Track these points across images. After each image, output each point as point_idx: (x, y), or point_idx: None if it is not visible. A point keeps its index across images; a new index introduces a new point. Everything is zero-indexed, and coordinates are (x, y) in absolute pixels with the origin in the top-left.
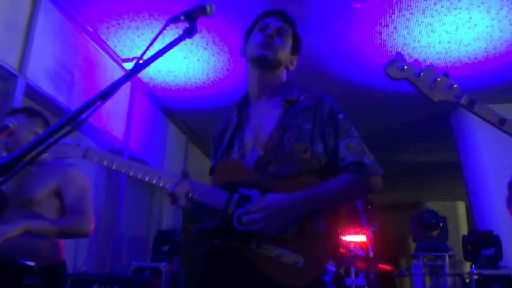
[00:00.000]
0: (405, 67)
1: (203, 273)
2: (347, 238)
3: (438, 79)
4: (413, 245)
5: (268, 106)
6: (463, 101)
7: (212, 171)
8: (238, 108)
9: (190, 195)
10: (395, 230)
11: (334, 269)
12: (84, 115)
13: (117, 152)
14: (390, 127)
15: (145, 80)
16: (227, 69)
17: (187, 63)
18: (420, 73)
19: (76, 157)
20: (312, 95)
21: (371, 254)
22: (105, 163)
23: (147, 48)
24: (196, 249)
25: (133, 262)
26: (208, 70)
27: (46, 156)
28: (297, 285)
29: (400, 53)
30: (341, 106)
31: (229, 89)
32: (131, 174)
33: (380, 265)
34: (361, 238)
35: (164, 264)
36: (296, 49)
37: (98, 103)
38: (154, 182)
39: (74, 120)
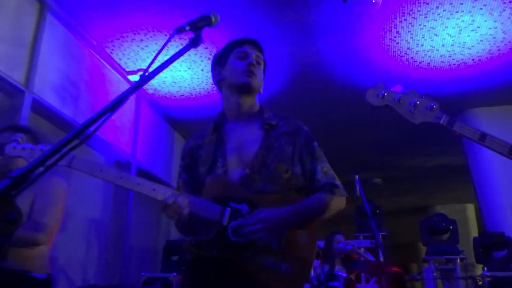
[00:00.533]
0: (385, 94)
1: (196, 281)
2: (356, 243)
3: (418, 102)
4: (423, 249)
5: (248, 127)
6: (443, 121)
7: (185, 185)
8: (215, 126)
9: (187, 207)
10: (405, 234)
11: (345, 275)
12: (92, 128)
13: (124, 164)
14: (396, 131)
15: (150, 91)
16: None
17: (191, 74)
18: (400, 99)
19: (61, 165)
20: (291, 122)
21: (382, 259)
22: (94, 173)
23: (153, 61)
24: (183, 256)
25: (143, 273)
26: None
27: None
28: None
29: (381, 82)
30: (345, 112)
31: None
32: (124, 185)
33: (391, 270)
34: (370, 243)
35: (174, 274)
36: (264, 74)
37: (106, 116)
38: (149, 193)
39: (82, 133)
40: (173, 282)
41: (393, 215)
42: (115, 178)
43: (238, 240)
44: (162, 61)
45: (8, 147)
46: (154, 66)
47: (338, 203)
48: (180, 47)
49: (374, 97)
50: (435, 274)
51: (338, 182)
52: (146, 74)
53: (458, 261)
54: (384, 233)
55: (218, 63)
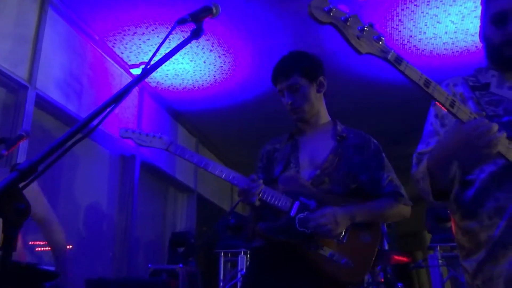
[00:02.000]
0: (333, 9)
1: (262, 264)
2: None
3: (366, 28)
4: (429, 237)
5: (320, 138)
6: (390, 56)
7: (269, 181)
8: (291, 135)
9: (261, 195)
10: (410, 223)
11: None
12: (96, 121)
13: (129, 158)
14: (402, 120)
15: (153, 84)
16: (233, 70)
17: (194, 66)
18: (348, 19)
19: (161, 148)
20: (362, 135)
21: (387, 247)
22: (186, 157)
23: (155, 53)
24: (252, 243)
25: (149, 265)
26: (215, 71)
27: None
28: (346, 281)
29: None
30: (348, 102)
31: (235, 88)
32: (209, 169)
33: (396, 258)
34: None
35: (181, 265)
36: (314, 76)
37: (109, 109)
38: (229, 179)
39: (87, 126)
40: (180, 273)
41: None
42: (201, 162)
43: (303, 231)
44: (164, 54)
45: None
46: (156, 58)
47: (402, 210)
48: (182, 39)
49: (320, 10)
50: (440, 261)
51: (403, 191)
52: (149, 66)
53: None
54: (389, 222)
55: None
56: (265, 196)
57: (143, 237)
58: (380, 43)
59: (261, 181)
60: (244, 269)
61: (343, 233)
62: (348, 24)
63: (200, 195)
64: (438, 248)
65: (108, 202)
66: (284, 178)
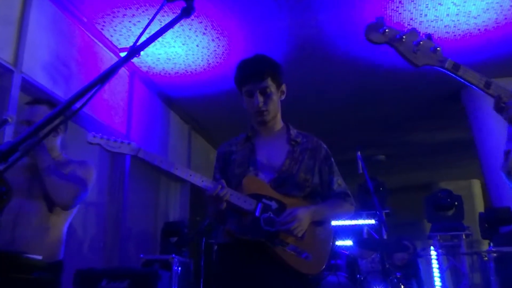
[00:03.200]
0: (387, 30)
1: (231, 261)
2: (359, 222)
3: (421, 42)
4: (428, 226)
5: (275, 142)
6: (447, 65)
7: (216, 181)
8: (247, 137)
9: (228, 198)
10: (409, 212)
11: (347, 253)
12: (79, 103)
13: None
14: (399, 107)
15: (144, 69)
16: (227, 53)
17: (186, 50)
18: (403, 36)
19: (130, 154)
20: (313, 140)
21: (385, 237)
22: (155, 163)
23: (143, 31)
24: (217, 240)
25: (141, 255)
26: (208, 55)
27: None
28: (309, 273)
29: (380, 17)
30: (347, 87)
31: (230, 73)
32: (178, 174)
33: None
34: (374, 221)
35: (173, 256)
36: (280, 83)
37: (95, 89)
38: (198, 183)
39: (70, 108)
40: (173, 264)
41: (397, 192)
42: (171, 167)
43: (268, 229)
44: (153, 33)
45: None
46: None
47: (348, 208)
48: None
49: (375, 33)
50: (439, 250)
51: (349, 191)
52: (137, 45)
53: (463, 237)
54: (387, 211)
55: (238, 91)
56: (231, 198)
57: (134, 227)
58: (437, 53)
59: (228, 188)
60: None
61: (304, 231)
62: (403, 40)
63: (194, 184)
64: (438, 237)
65: (98, 191)
66: (247, 181)
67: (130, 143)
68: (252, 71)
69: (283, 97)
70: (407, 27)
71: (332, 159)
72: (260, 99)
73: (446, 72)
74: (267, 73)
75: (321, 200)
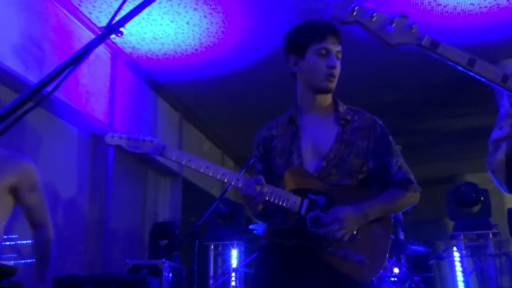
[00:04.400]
0: (356, 8)
1: (275, 266)
2: None
3: (395, 20)
4: (450, 225)
5: (323, 121)
6: (425, 42)
7: (259, 172)
8: (291, 119)
9: (268, 197)
10: (429, 208)
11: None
12: (50, 87)
13: (100, 136)
14: (419, 91)
15: (128, 50)
16: (222, 32)
17: (175, 28)
18: (373, 15)
19: (154, 155)
20: (366, 116)
21: (402, 236)
22: (183, 162)
23: (121, 5)
24: (257, 242)
25: (127, 260)
26: (200, 34)
27: None
28: (363, 280)
29: None
30: (358, 69)
31: (225, 55)
32: (210, 174)
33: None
34: None
35: (163, 260)
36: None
37: (67, 71)
38: (233, 183)
39: (39, 92)
40: (163, 269)
41: None
42: (201, 166)
43: (315, 231)
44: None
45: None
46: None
47: (412, 198)
48: None
49: (342, 11)
50: (464, 251)
51: (412, 177)
52: (113, 22)
53: (490, 236)
54: (408, 208)
55: (294, 50)
56: (272, 197)
57: (119, 228)
58: (413, 30)
59: (266, 187)
60: (236, 264)
61: (356, 231)
62: (373, 20)
63: (186, 180)
64: (462, 236)
65: (77, 188)
66: (289, 174)
67: (152, 140)
68: (334, 30)
69: None
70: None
71: (390, 138)
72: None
73: (424, 50)
74: (341, 38)
75: (378, 188)
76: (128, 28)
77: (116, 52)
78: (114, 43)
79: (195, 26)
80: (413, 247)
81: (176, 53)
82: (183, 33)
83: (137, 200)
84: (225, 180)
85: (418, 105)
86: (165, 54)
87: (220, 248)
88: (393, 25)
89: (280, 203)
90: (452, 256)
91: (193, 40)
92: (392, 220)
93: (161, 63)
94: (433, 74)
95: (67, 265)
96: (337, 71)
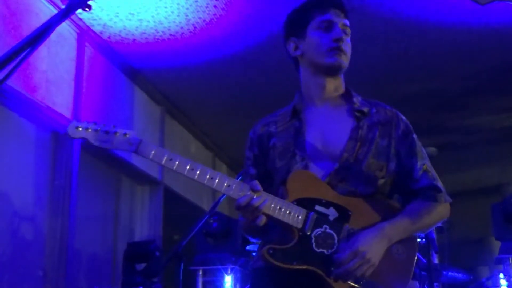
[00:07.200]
0: None
1: None
2: None
3: None
4: (497, 245)
5: (334, 113)
6: None
7: (252, 178)
8: (294, 111)
9: (266, 210)
10: (470, 225)
11: None
12: (1, 75)
13: (63, 136)
14: (459, 78)
15: (97, 29)
16: (214, 7)
17: (156, 1)
18: None
19: (127, 151)
20: (385, 109)
21: (436, 260)
22: (163, 162)
23: None
24: (249, 264)
25: (95, 287)
26: (187, 9)
27: None
28: None
29: None
30: (382, 53)
31: (218, 35)
32: (195, 178)
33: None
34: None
35: None
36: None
37: (22, 56)
38: (223, 190)
39: None
40: None
41: (453, 199)
42: (185, 169)
43: (322, 252)
44: None
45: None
46: None
47: (443, 212)
48: None
49: None
50: None
51: (440, 184)
52: None
53: None
54: (439, 225)
55: (294, 32)
56: (271, 209)
57: (86, 249)
58: None
59: (263, 196)
60: None
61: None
62: None
63: (169, 188)
64: (510, 261)
65: (35, 199)
66: (293, 179)
67: (126, 132)
68: (338, 2)
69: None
70: None
71: (414, 136)
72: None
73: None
74: (347, 11)
75: (400, 197)
76: (98, 1)
77: (84, 31)
78: (81, 19)
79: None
80: (450, 273)
81: (157, 32)
82: (166, 7)
83: (108, 214)
84: (214, 186)
85: (457, 96)
86: (144, 33)
87: (211, 274)
88: None
89: (281, 216)
90: (498, 286)
91: (178, 16)
92: (424, 240)
93: (139, 45)
94: (477, 55)
95: None
96: (346, 46)
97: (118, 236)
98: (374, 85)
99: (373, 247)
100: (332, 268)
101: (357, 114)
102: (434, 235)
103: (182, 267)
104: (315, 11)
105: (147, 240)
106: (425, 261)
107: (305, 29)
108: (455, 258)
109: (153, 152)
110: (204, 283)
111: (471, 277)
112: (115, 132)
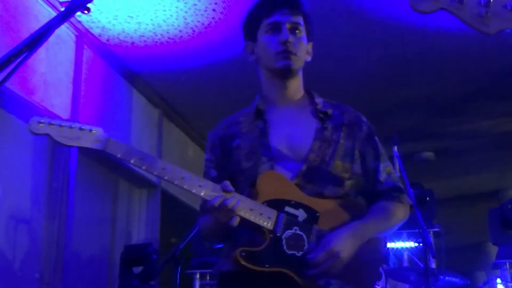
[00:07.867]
0: None
1: None
2: (397, 245)
3: (491, 0)
4: (494, 250)
5: (297, 115)
6: None
7: (212, 180)
8: (257, 111)
9: (238, 211)
10: (468, 230)
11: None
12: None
13: None
14: (457, 83)
15: (96, 32)
16: (213, 10)
17: (155, 4)
18: None
19: (95, 149)
20: (348, 111)
21: (433, 265)
22: (132, 161)
23: None
24: (219, 266)
25: None
26: (186, 13)
27: None
28: None
29: None
30: (381, 55)
31: (217, 39)
32: (165, 177)
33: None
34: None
35: None
36: (310, 35)
37: (20, 59)
38: (193, 190)
39: None
40: None
41: (450, 204)
42: (155, 168)
43: (293, 254)
44: None
45: None
46: None
47: (405, 212)
48: None
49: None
50: (510, 284)
51: (402, 185)
52: None
53: None
54: (436, 229)
55: (248, 36)
56: (242, 211)
57: (83, 252)
58: None
59: (235, 197)
60: None
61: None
62: (463, 3)
63: (166, 192)
64: (507, 265)
65: (32, 201)
66: (264, 180)
67: (92, 129)
68: (285, 1)
69: (308, 58)
70: None
71: (377, 138)
72: (290, 35)
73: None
74: (301, 9)
75: (364, 199)
76: (97, 4)
77: (82, 34)
78: (80, 22)
79: (180, 2)
80: (447, 278)
81: (156, 36)
82: (164, 10)
83: (105, 217)
84: (185, 186)
85: (455, 101)
86: (142, 36)
87: (208, 278)
88: (489, 7)
89: (252, 218)
90: None
91: (176, 19)
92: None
93: (137, 47)
94: (476, 61)
95: None
96: (293, 47)
97: (115, 239)
98: (372, 90)
99: (347, 246)
100: (304, 270)
101: (320, 115)
102: (431, 240)
103: (179, 271)
104: (262, 14)
105: (144, 243)
106: (422, 265)
107: (256, 33)
108: (452, 263)
109: (121, 150)
110: (201, 287)
111: (468, 282)
112: (80, 128)
